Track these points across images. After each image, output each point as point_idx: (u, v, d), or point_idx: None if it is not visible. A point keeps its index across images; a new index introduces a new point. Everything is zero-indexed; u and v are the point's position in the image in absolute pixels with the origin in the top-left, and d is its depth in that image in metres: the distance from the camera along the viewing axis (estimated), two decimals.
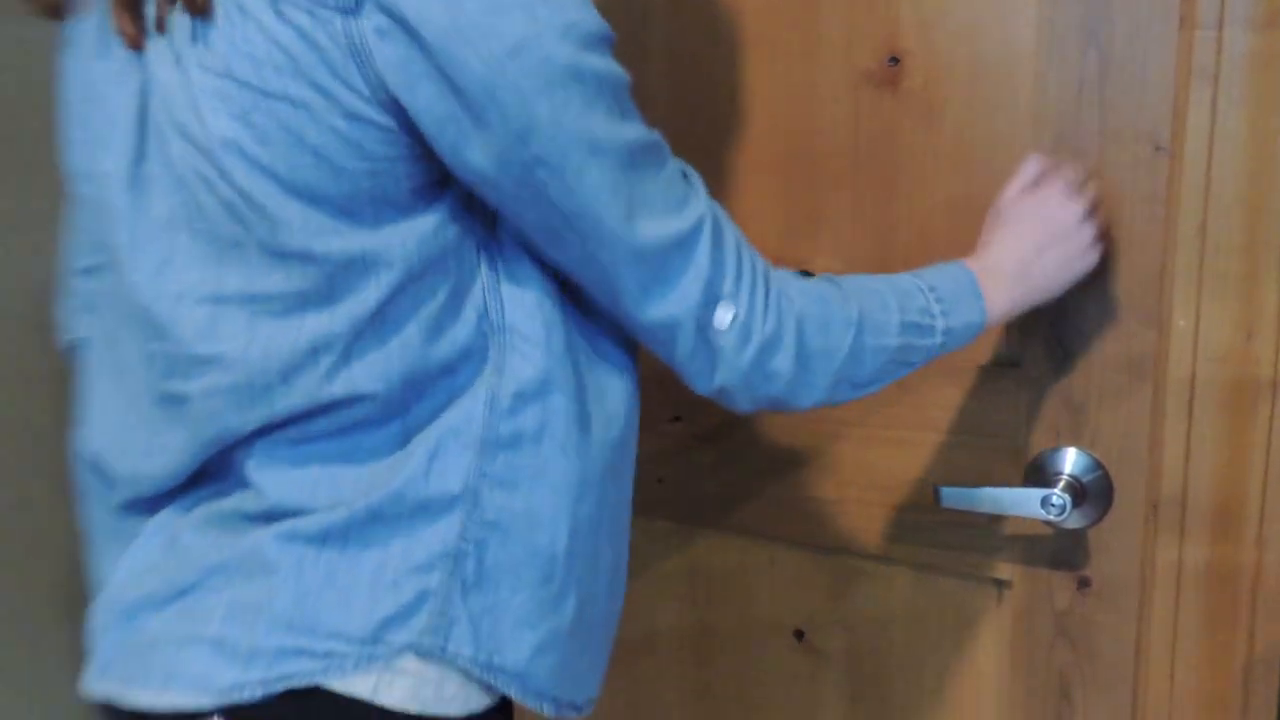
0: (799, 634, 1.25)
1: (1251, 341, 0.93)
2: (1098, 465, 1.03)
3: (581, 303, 0.87)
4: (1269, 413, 0.93)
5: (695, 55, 1.20)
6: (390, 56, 0.73)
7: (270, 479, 0.84)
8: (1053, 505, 1.00)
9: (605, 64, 0.77)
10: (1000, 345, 1.08)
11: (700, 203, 0.84)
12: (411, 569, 0.82)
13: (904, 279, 0.92)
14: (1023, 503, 1.03)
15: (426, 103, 0.75)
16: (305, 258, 0.79)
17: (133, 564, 0.89)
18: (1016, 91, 1.04)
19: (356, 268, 0.80)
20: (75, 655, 1.44)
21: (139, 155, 0.83)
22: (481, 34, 0.73)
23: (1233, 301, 0.93)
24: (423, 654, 0.82)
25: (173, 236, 0.82)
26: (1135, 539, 1.01)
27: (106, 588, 0.89)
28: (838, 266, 1.16)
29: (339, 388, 0.82)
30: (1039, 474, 1.06)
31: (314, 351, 0.81)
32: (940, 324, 0.91)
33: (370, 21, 0.72)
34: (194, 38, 0.77)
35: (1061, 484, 1.03)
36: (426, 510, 0.83)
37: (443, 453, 0.83)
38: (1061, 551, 1.07)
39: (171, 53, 0.78)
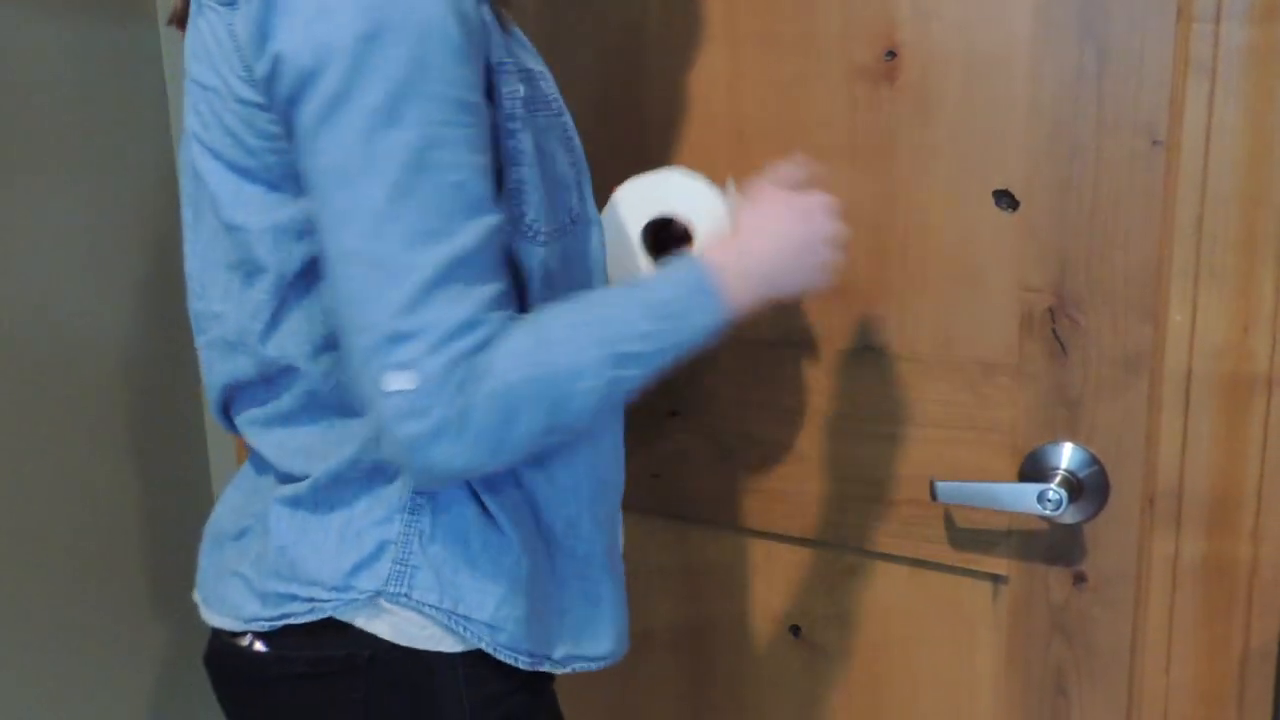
0: (795, 629, 1.25)
1: (1248, 336, 0.93)
2: (1094, 460, 1.04)
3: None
4: (1265, 407, 0.93)
5: (691, 49, 1.19)
6: (246, 36, 0.82)
7: (258, 439, 0.96)
8: (1049, 500, 1.01)
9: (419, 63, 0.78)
10: (998, 342, 1.08)
11: (458, 248, 0.79)
12: (373, 522, 0.91)
13: (623, 298, 0.88)
14: (1019, 498, 1.03)
15: (263, 74, 0.81)
16: (238, 229, 0.88)
17: (228, 497, 1.04)
18: (1013, 85, 1.03)
19: (278, 238, 0.87)
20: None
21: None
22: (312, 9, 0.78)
23: (1229, 296, 0.93)
24: (392, 600, 0.90)
25: (208, 215, 0.93)
26: (1131, 534, 1.02)
27: (214, 514, 1.05)
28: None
29: (272, 351, 0.90)
30: (1035, 469, 1.06)
31: (252, 316, 0.90)
32: (670, 341, 0.87)
33: (241, 11, 0.82)
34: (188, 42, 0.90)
35: (1058, 479, 1.03)
36: (382, 471, 0.90)
37: None
38: (1058, 547, 1.08)
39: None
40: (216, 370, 0.97)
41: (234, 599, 0.96)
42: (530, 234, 0.88)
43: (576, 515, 0.97)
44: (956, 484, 1.06)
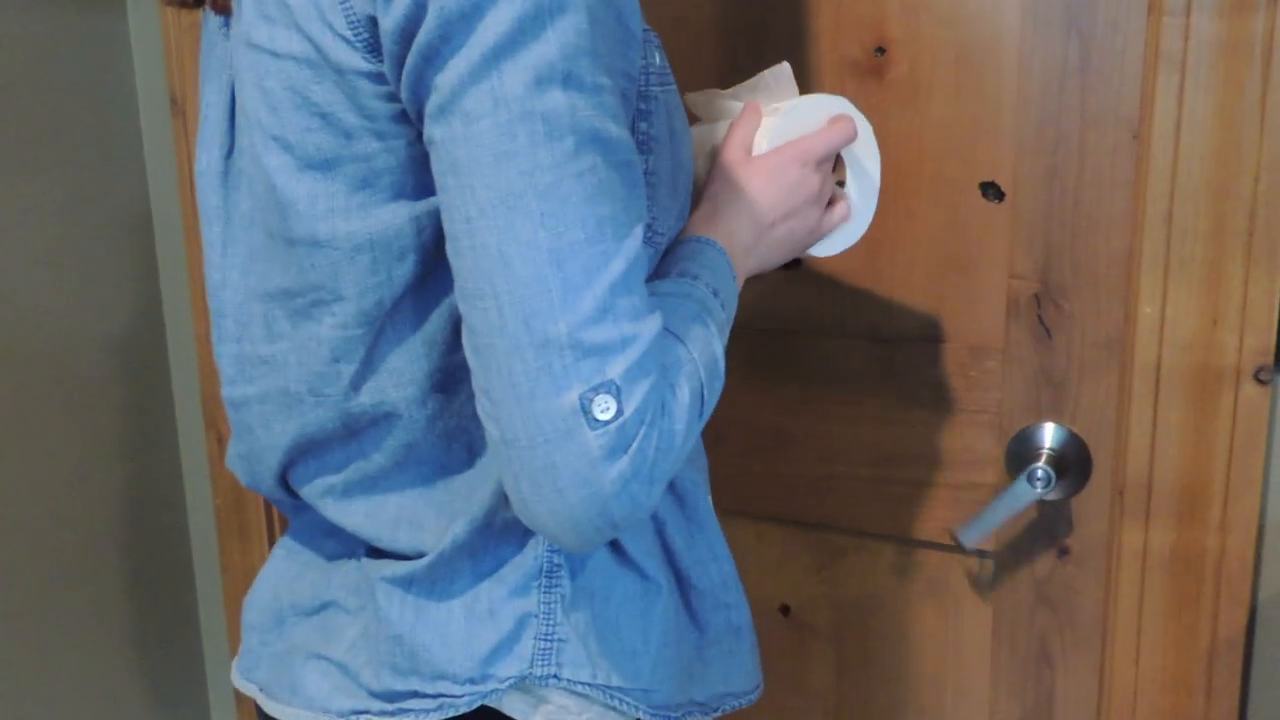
0: (785, 609, 1.28)
1: (1217, 328, 0.93)
2: (1076, 438, 1.06)
3: None
4: (1233, 399, 0.93)
5: (683, 45, 1.22)
6: None
7: (336, 511, 0.79)
8: (1038, 479, 1.04)
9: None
10: (986, 327, 1.10)
11: (635, 246, 0.65)
12: (506, 595, 0.75)
13: (699, 292, 0.75)
14: (1020, 496, 1.05)
15: (395, 21, 0.63)
16: (316, 244, 0.70)
17: (279, 569, 0.87)
18: (1001, 78, 1.05)
19: (379, 255, 0.69)
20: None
21: (229, 149, 0.78)
22: None
23: (1199, 288, 0.94)
24: (540, 683, 0.75)
25: (252, 233, 0.76)
26: (1113, 509, 1.04)
27: (259, 585, 0.88)
28: (824, 261, 1.18)
29: (366, 398, 0.73)
30: (1021, 448, 1.09)
31: (335, 360, 0.73)
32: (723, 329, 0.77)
33: None
34: (239, 12, 0.71)
35: (1043, 458, 1.06)
36: (511, 531, 0.75)
37: None
38: (1042, 522, 1.11)
39: (240, 34, 0.72)
40: (277, 430, 0.78)
41: (316, 688, 0.79)
42: (649, 236, 0.74)
43: (702, 535, 0.84)
44: (976, 525, 1.07)
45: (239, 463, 0.84)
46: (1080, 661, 1.12)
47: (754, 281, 1.20)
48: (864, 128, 0.92)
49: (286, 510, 0.86)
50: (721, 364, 0.72)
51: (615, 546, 0.77)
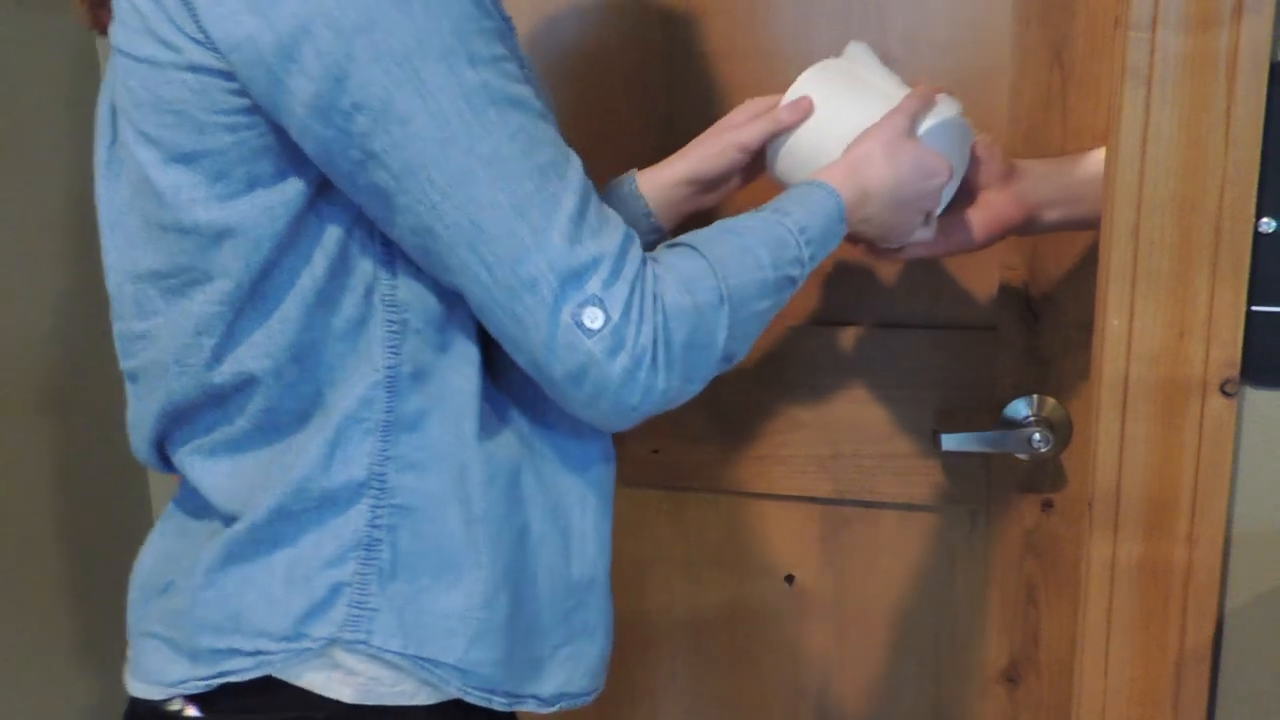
0: (789, 578, 1.39)
1: (1183, 341, 0.93)
2: (1061, 406, 1.27)
3: None
4: (1199, 412, 0.93)
5: (691, 65, 1.28)
6: None
7: (201, 472, 0.85)
8: (1037, 441, 1.23)
9: None
10: (980, 311, 1.27)
11: (578, 179, 0.76)
12: (323, 562, 0.81)
13: (776, 224, 0.86)
14: (1011, 441, 1.24)
15: (239, 39, 0.71)
16: (181, 231, 0.77)
17: (155, 546, 0.93)
18: (993, 101, 1.21)
19: (228, 240, 0.77)
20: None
21: (112, 139, 0.85)
22: None
23: (1166, 301, 0.94)
24: (350, 648, 0.81)
25: (130, 219, 0.82)
26: (1082, 521, 1.09)
27: (140, 563, 0.94)
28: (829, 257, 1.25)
29: (228, 367, 0.80)
30: (1012, 418, 1.27)
31: (198, 333, 0.80)
32: (807, 269, 0.88)
33: None
34: (113, 21, 0.79)
35: (1034, 424, 1.25)
36: (333, 501, 0.81)
37: (344, 440, 0.80)
38: (1029, 480, 1.31)
39: (112, 41, 0.80)
40: (148, 399, 0.85)
41: (153, 663, 0.85)
42: None
43: (580, 532, 0.90)
44: (958, 435, 1.23)
45: (130, 433, 0.91)
46: (1061, 602, 1.31)
47: None
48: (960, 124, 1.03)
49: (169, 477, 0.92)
50: (768, 286, 0.82)
51: (464, 528, 0.82)
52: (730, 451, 1.37)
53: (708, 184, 1.06)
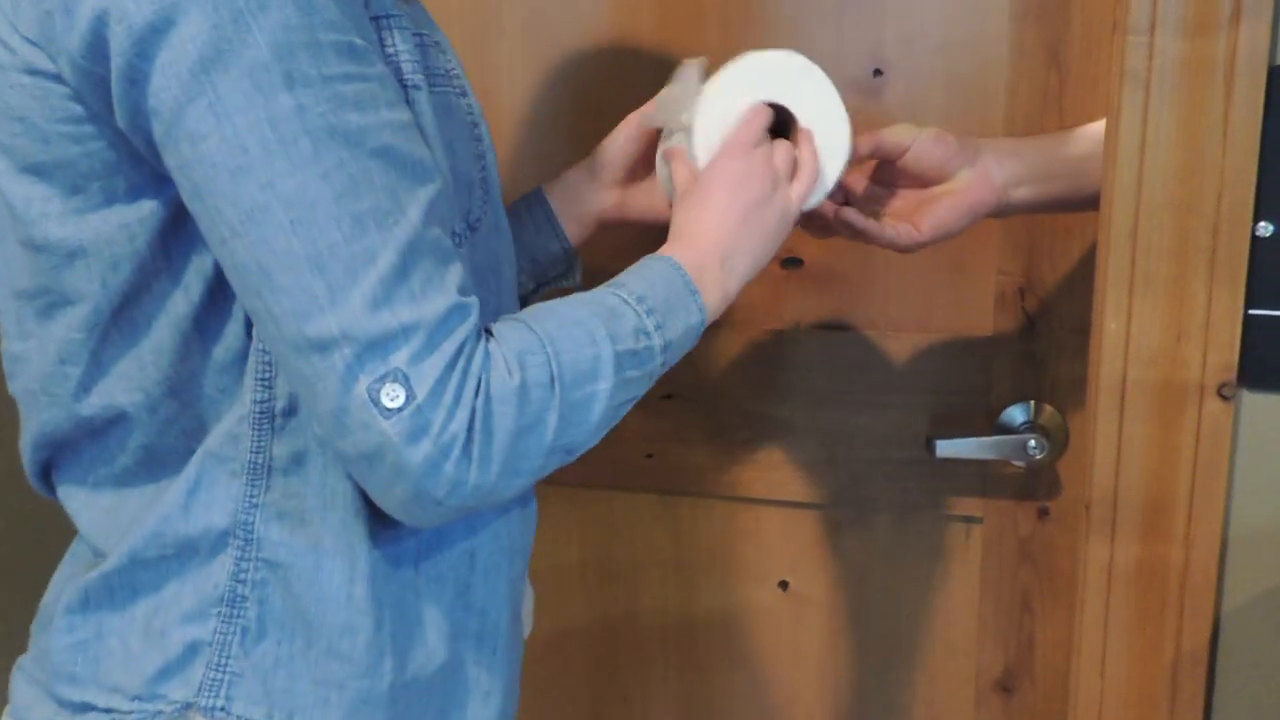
0: (783, 584, 1.38)
1: (1180, 344, 0.94)
2: (1057, 412, 1.26)
3: None
4: (1196, 414, 0.93)
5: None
6: None
7: (82, 507, 0.78)
8: (1032, 448, 1.22)
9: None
10: (975, 317, 1.27)
11: (408, 234, 0.64)
12: (181, 617, 0.73)
13: (607, 296, 0.76)
14: (1006, 448, 1.23)
15: (54, 36, 0.63)
16: (36, 248, 0.70)
17: (59, 574, 0.85)
18: (989, 103, 1.20)
19: (92, 261, 0.69)
20: None
21: None
22: None
23: (1163, 304, 0.94)
24: (208, 714, 0.73)
25: (6, 230, 0.75)
26: (1080, 524, 1.06)
27: (47, 591, 0.87)
28: (825, 260, 1.28)
29: (96, 400, 0.73)
30: (1008, 424, 1.27)
31: (61, 361, 0.72)
32: (658, 341, 0.76)
33: None
34: None
35: (1030, 430, 1.24)
36: (194, 550, 0.73)
37: (206, 482, 0.73)
38: (1025, 487, 1.30)
39: None
40: (27, 425, 0.79)
41: (22, 698, 0.78)
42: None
43: (473, 589, 0.81)
44: (953, 441, 1.22)
45: (22, 456, 0.84)
46: (1057, 609, 1.30)
47: (759, 280, 1.24)
48: (795, 68, 0.95)
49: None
50: (605, 363, 0.71)
51: (345, 587, 0.73)
52: (724, 456, 1.37)
53: (609, 170, 1.00)
